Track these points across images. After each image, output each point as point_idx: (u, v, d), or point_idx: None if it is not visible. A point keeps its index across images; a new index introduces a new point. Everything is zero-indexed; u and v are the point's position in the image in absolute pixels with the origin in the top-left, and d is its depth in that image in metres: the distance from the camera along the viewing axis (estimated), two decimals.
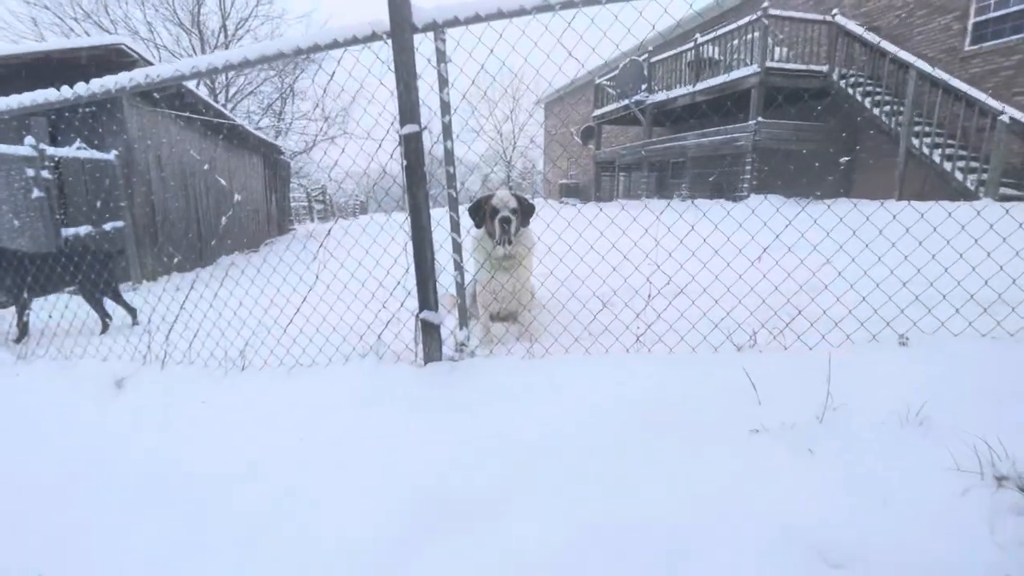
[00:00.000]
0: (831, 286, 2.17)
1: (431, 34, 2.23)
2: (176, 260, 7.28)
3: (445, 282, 2.64)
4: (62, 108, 2.89)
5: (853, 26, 9.45)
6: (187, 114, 7.51)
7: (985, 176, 7.48)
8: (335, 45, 2.35)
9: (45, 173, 5.44)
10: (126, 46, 6.13)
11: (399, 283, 2.55)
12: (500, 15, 2.12)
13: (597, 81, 15.18)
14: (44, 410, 2.53)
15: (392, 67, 2.26)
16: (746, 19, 9.68)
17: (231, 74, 18.33)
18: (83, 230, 5.83)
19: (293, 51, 2.38)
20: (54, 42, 7.20)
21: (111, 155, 6.16)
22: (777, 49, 9.87)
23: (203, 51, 17.63)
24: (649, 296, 2.34)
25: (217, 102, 17.40)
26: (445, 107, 2.28)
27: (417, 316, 2.45)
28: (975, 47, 8.49)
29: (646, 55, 12.78)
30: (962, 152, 7.88)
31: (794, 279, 2.17)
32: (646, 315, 2.36)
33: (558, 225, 2.45)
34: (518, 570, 1.35)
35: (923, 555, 1.27)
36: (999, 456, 1.43)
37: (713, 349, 2.21)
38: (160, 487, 1.87)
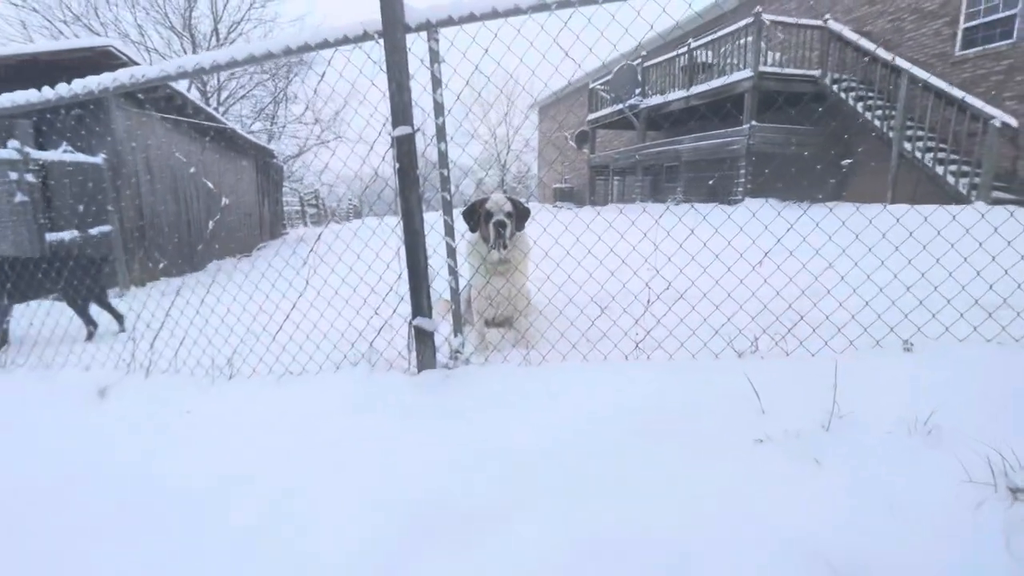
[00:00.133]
0: (833, 291, 2.13)
1: (424, 34, 2.18)
2: (165, 265, 7.17)
3: (439, 288, 2.57)
4: (45, 110, 2.81)
5: (846, 31, 9.52)
6: (177, 117, 7.41)
7: (977, 180, 7.53)
8: (325, 45, 2.29)
9: (29, 177, 5.33)
10: (115, 48, 6.04)
11: (392, 289, 2.48)
12: (495, 14, 2.07)
13: (591, 85, 15.22)
14: (21, 422, 2.43)
15: (384, 68, 2.21)
16: (740, 23, 9.72)
17: (223, 78, 18.22)
18: (68, 235, 5.71)
19: (282, 51, 2.32)
20: (41, 44, 7.10)
21: (98, 158, 6.05)
22: (770, 54, 9.92)
23: (194, 54, 17.54)
24: (648, 301, 2.29)
25: (209, 105, 17.28)
26: (439, 108, 2.23)
27: (410, 323, 2.39)
28: (965, 52, 8.57)
29: (640, 59, 12.82)
30: (954, 156, 7.93)
31: (796, 284, 2.13)
32: (645, 321, 2.31)
33: (555, 229, 2.40)
34: None
35: (936, 570, 1.22)
36: (1012, 467, 1.38)
37: (714, 356, 2.16)
38: (143, 502, 1.79)
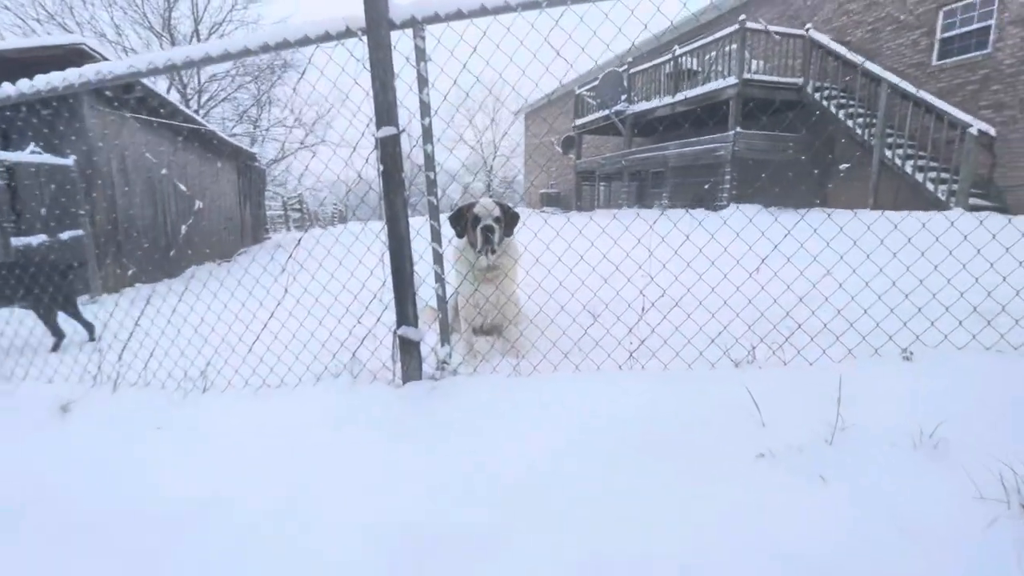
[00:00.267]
0: (831, 298, 2.08)
1: (410, 31, 2.09)
2: (139, 271, 6.92)
3: (425, 295, 2.47)
4: (5, 107, 2.64)
5: (827, 40, 9.68)
6: (154, 119, 7.19)
7: (955, 187, 7.67)
8: (306, 42, 2.18)
9: None
10: (88, 47, 5.84)
11: (375, 296, 2.38)
12: (483, 11, 2.00)
13: (577, 91, 15.27)
14: None
15: (368, 65, 2.11)
16: (725, 31, 9.82)
17: (203, 79, 17.88)
18: (36, 240, 5.47)
19: (260, 48, 2.21)
20: (10, 41, 6.84)
21: (69, 160, 5.82)
22: (754, 62, 10.04)
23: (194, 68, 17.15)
24: (643, 309, 2.22)
25: (189, 108, 16.93)
26: (425, 108, 2.14)
27: (395, 332, 2.28)
28: (942, 62, 8.76)
29: (626, 66, 12.89)
30: (933, 163, 8.08)
31: (793, 291, 2.08)
32: (639, 329, 2.24)
33: (546, 234, 2.32)
34: None
35: None
36: None
37: (710, 365, 2.09)
38: (106, 529, 1.66)
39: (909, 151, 8.37)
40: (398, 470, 1.79)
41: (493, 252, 2.57)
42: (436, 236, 2.27)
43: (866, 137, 8.95)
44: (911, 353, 1.92)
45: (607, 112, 13.32)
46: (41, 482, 1.98)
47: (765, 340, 2.10)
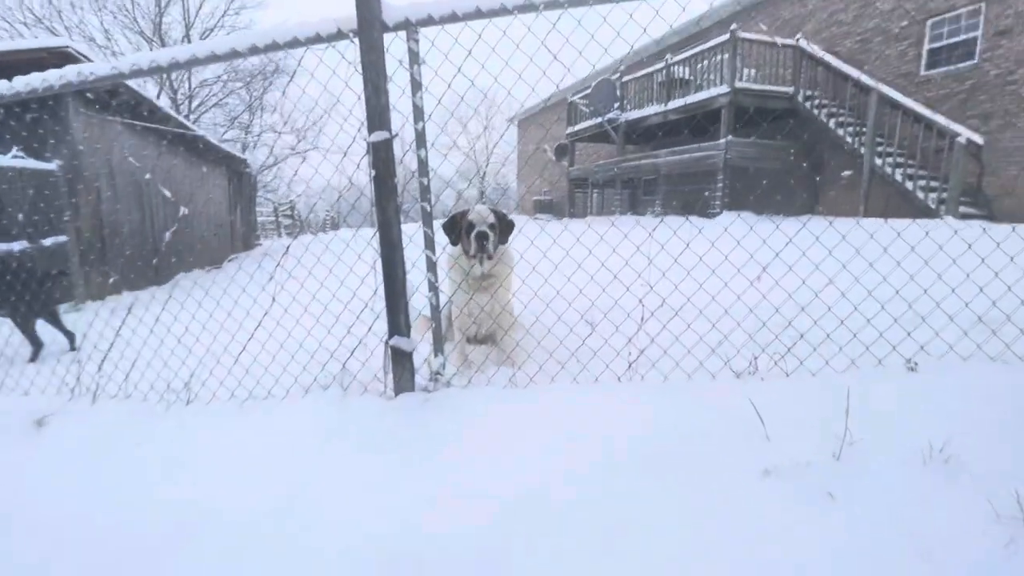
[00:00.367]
0: (834, 307, 2.04)
1: (403, 33, 2.04)
2: (125, 278, 6.78)
3: (418, 304, 2.40)
4: None
5: (817, 51, 9.78)
6: (142, 123, 7.08)
7: (945, 195, 7.75)
8: (296, 44, 2.12)
9: None
10: (74, 50, 5.74)
11: (367, 305, 2.30)
12: (478, 14, 1.95)
13: (570, 99, 15.33)
14: None
15: (359, 68, 2.06)
16: (716, 40, 9.90)
17: (194, 85, 17.74)
18: (17, 246, 5.32)
19: (248, 49, 2.15)
20: None
21: (53, 164, 5.69)
22: (746, 71, 10.12)
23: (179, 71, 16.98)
24: (642, 319, 2.17)
25: (180, 113, 16.77)
26: (418, 113, 2.08)
27: (386, 342, 2.21)
28: (930, 72, 8.88)
29: (618, 74, 12.96)
30: (922, 172, 8.16)
31: (795, 300, 2.03)
32: (638, 339, 2.18)
33: (542, 242, 2.26)
34: None
35: None
36: None
37: (711, 376, 2.04)
38: (76, 555, 1.56)
39: (899, 160, 8.46)
40: (390, 487, 1.71)
41: (489, 258, 2.51)
42: (430, 243, 2.21)
43: (856, 146, 9.04)
44: (915, 364, 1.88)
45: (600, 120, 13.37)
46: (6, 501, 1.88)
47: (767, 350, 2.05)
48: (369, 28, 1.99)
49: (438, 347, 2.32)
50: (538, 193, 21.00)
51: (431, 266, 2.23)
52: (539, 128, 20.41)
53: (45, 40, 5.51)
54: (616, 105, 13.07)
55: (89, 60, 5.83)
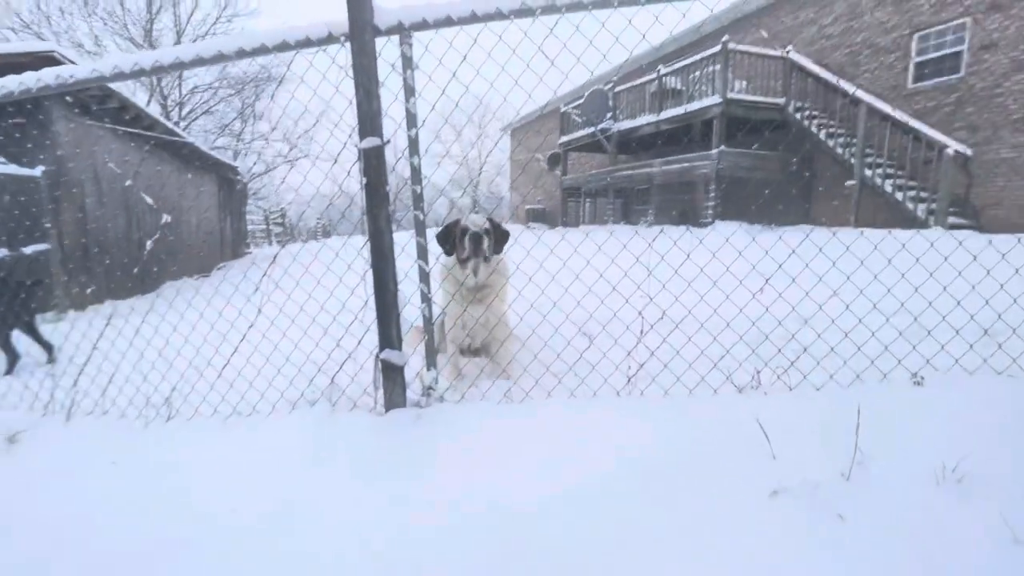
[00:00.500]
0: (837, 320, 1.99)
1: (396, 38, 1.98)
2: (110, 287, 6.63)
3: (410, 316, 2.33)
4: None
5: (807, 63, 9.90)
6: (131, 130, 6.96)
7: (934, 205, 7.82)
8: (285, 47, 2.06)
9: None
10: (60, 54, 5.64)
11: (356, 318, 2.22)
12: (474, 18, 1.90)
13: (563, 108, 15.40)
14: None
15: (351, 73, 1.99)
16: (708, 51, 9.99)
17: (185, 92, 17.60)
18: None
19: (235, 53, 2.08)
20: None
21: (36, 170, 5.56)
22: (737, 82, 10.22)
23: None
24: (641, 332, 2.11)
25: (170, 120, 16.61)
26: (411, 119, 2.02)
27: (377, 356, 2.12)
28: (918, 85, 9.01)
29: (611, 84, 13.04)
30: (911, 183, 8.24)
31: (799, 313, 1.99)
32: (637, 353, 2.12)
33: (539, 252, 2.20)
34: None
35: None
36: None
37: (712, 391, 1.98)
38: None
39: (888, 171, 8.54)
40: (381, 508, 1.63)
41: (486, 260, 2.43)
42: (423, 253, 2.14)
43: (846, 156, 9.12)
44: (922, 378, 1.83)
45: (592, 130, 13.43)
46: None
47: (770, 364, 2.00)
48: (361, 32, 1.93)
49: (431, 361, 2.24)
50: (531, 202, 21.02)
51: (424, 277, 2.16)
52: (533, 136, 20.48)
53: (30, 44, 5.40)
54: (608, 115, 13.13)
55: (75, 65, 5.74)
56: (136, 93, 16.56)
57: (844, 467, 1.52)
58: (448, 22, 1.92)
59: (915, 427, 1.66)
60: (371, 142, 1.98)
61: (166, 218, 7.43)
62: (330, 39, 2.00)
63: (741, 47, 10.05)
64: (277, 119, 18.43)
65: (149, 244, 7.05)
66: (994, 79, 7.93)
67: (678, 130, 10.93)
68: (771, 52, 10.27)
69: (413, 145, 2.03)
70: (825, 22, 10.50)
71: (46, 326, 3.94)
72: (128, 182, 6.56)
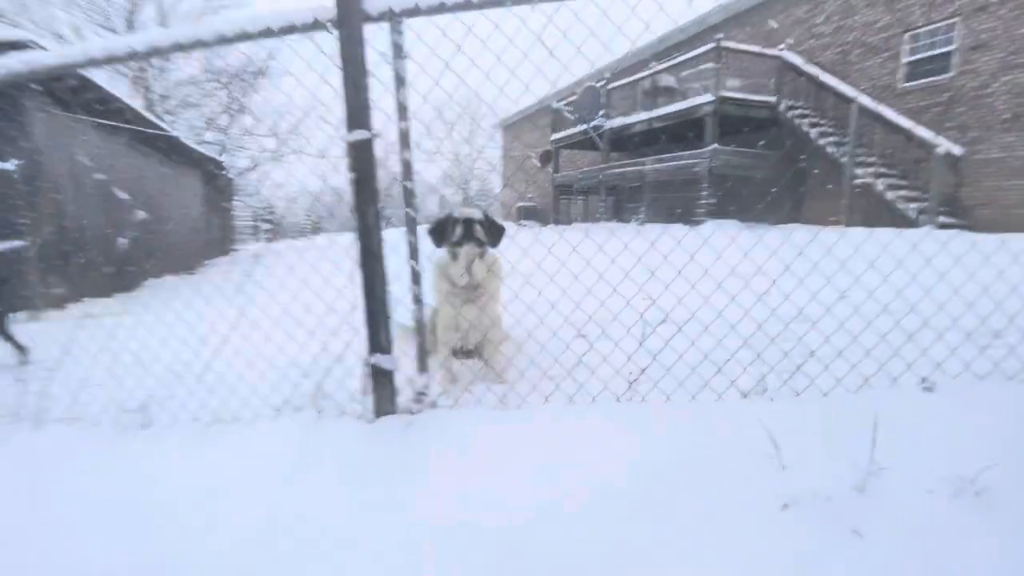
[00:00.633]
0: (846, 323, 1.93)
1: (386, 25, 1.88)
2: (90, 285, 6.43)
3: (401, 318, 2.22)
4: None
5: (800, 61, 9.90)
6: (111, 123, 6.75)
7: (925, 205, 7.85)
8: (269, 34, 1.95)
9: None
10: (35, 43, 5.42)
11: (344, 320, 2.12)
12: (468, 5, 1.80)
13: (555, 105, 15.30)
14: None
15: (338, 62, 1.88)
16: (701, 49, 9.95)
17: (170, 85, 17.23)
18: None
19: (215, 39, 1.96)
20: None
21: (10, 164, 5.36)
22: (729, 80, 10.19)
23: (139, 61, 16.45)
24: (643, 335, 2.03)
25: (154, 113, 16.25)
26: (402, 111, 1.92)
27: (366, 360, 2.02)
28: (909, 84, 9.04)
29: (603, 81, 12.97)
30: (902, 182, 8.27)
31: (807, 315, 1.92)
32: (639, 357, 2.04)
33: (536, 252, 2.11)
34: None
35: None
36: None
37: (716, 396, 1.91)
38: None
39: (880, 170, 8.57)
40: (370, 523, 1.53)
41: (480, 252, 2.32)
42: (414, 252, 2.04)
43: (838, 155, 9.14)
44: (933, 383, 1.77)
45: (585, 127, 13.35)
46: None
47: (775, 368, 1.93)
48: (349, 18, 1.82)
49: (423, 365, 2.14)
50: (523, 199, 20.92)
51: (415, 277, 2.06)
52: (527, 133, 20.36)
53: (2, 32, 5.19)
54: (601, 112, 13.06)
55: None
56: (118, 85, 16.18)
57: (856, 478, 1.46)
58: (441, 8, 1.82)
59: (928, 436, 1.60)
60: (359, 135, 1.87)
61: (142, 214, 7.22)
62: (316, 25, 1.89)
63: (734, 45, 10.02)
64: (260, 111, 18.09)
65: (123, 241, 6.85)
66: (984, 79, 7.98)
67: (671, 128, 10.89)
68: (765, 50, 10.26)
69: (404, 138, 1.93)
70: (817, 20, 10.50)
71: (16, 326, 3.78)
72: (101, 175, 6.35)
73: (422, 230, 2.11)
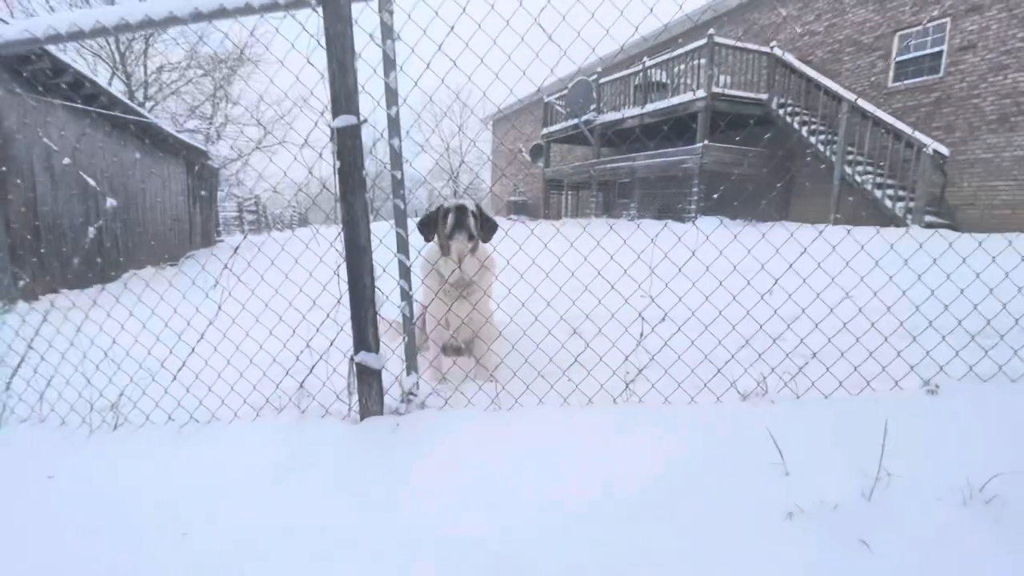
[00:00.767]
0: (833, 322, 1.88)
1: (375, 3, 1.77)
2: (65, 275, 6.21)
3: (389, 315, 2.13)
4: None
5: (791, 59, 9.89)
6: (79, 106, 6.49)
7: (912, 204, 7.91)
8: (248, 11, 1.82)
9: None
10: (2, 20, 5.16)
11: (328, 316, 2.02)
12: None
13: (546, 99, 15.18)
14: None
15: (323, 43, 1.77)
16: (693, 45, 9.90)
17: (150, 70, 16.75)
18: None
19: (190, 14, 1.83)
20: None
21: None
22: (721, 76, 10.16)
23: (117, 46, 15.93)
24: (641, 334, 1.96)
25: (135, 100, 15.79)
26: (391, 95, 1.81)
27: (351, 359, 1.93)
28: (898, 84, 9.09)
29: (595, 75, 12.87)
30: (890, 181, 8.32)
31: (809, 316, 1.86)
32: (636, 356, 1.97)
33: (531, 247, 2.02)
34: None
35: None
36: None
37: (716, 398, 1.85)
38: None
39: (868, 169, 8.61)
40: (354, 532, 1.45)
41: (472, 244, 2.23)
42: (403, 246, 1.94)
43: (828, 154, 9.17)
44: (936, 386, 1.73)
45: (576, 121, 13.25)
46: None
47: (776, 370, 1.87)
48: None
49: (411, 363, 2.05)
50: (513, 194, 20.80)
51: (404, 272, 1.96)
52: (518, 127, 20.19)
53: None
54: (592, 107, 12.97)
55: None
56: (96, 68, 15.70)
57: (863, 485, 1.40)
58: None
59: (934, 440, 1.55)
60: (346, 120, 1.76)
61: (111, 202, 6.99)
62: (300, 2, 1.77)
63: (726, 41, 9.98)
64: (244, 99, 17.64)
65: (92, 231, 6.62)
66: (972, 80, 8.04)
67: (662, 123, 10.84)
68: (755, 47, 10.24)
69: (393, 125, 1.82)
70: (809, 18, 10.51)
71: None
72: (66, 160, 6.10)
73: (411, 223, 2.01)
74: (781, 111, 10.06)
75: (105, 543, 1.50)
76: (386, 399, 1.99)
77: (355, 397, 1.97)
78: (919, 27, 8.66)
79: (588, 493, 1.52)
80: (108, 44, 15.79)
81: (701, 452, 1.63)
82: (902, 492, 1.39)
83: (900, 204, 8.08)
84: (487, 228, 2.36)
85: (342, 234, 1.84)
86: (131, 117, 7.64)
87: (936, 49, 8.53)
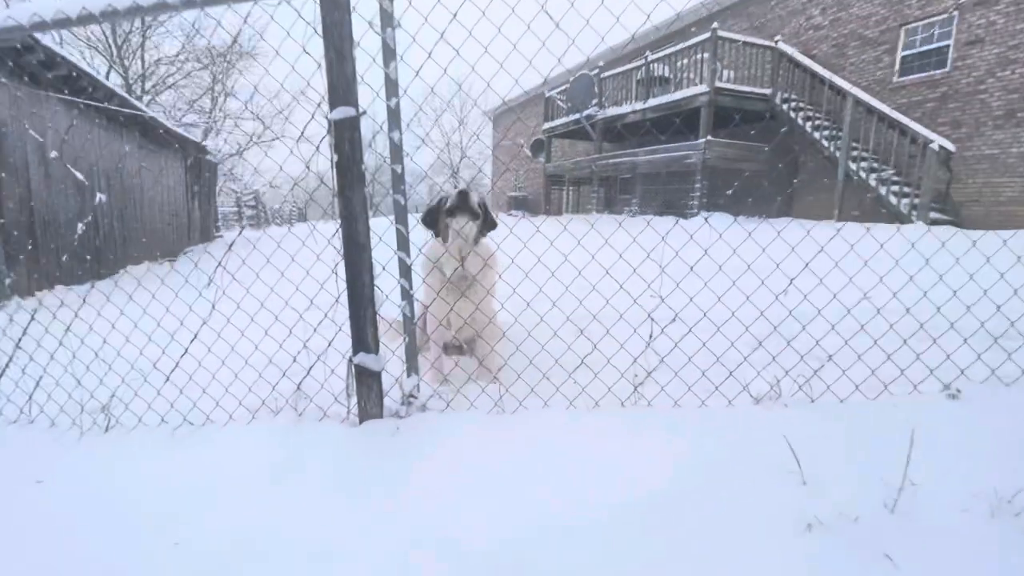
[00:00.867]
0: (864, 324, 1.81)
1: None
2: (61, 271, 6.14)
3: (389, 314, 2.06)
4: None
5: (796, 53, 9.77)
6: (72, 99, 6.40)
7: (917, 200, 7.82)
8: None
9: None
10: None
11: (326, 316, 1.95)
12: None
13: (548, 94, 15.05)
14: None
15: (320, 31, 1.70)
16: (696, 39, 9.78)
17: (147, 63, 16.61)
18: None
19: (182, 1, 1.75)
20: None
21: None
22: (725, 71, 10.04)
23: (115, 39, 15.78)
24: (651, 336, 1.90)
25: (132, 93, 15.66)
26: (391, 86, 1.74)
27: (350, 360, 1.86)
28: (903, 79, 8.98)
29: (597, 70, 12.75)
30: (895, 177, 8.23)
31: (825, 317, 1.80)
32: (645, 358, 1.91)
33: (536, 244, 1.96)
34: None
35: None
36: None
37: (727, 402, 1.78)
38: None
39: (873, 164, 8.51)
40: (353, 538, 1.39)
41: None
42: (404, 243, 1.87)
43: (832, 149, 9.07)
44: (958, 391, 1.67)
45: (577, 116, 13.14)
46: None
47: (790, 373, 1.81)
48: None
49: (411, 365, 1.99)
50: (514, 189, 20.70)
51: (405, 270, 1.89)
52: (519, 122, 20.06)
53: None
54: (594, 101, 12.85)
55: None
56: (94, 61, 15.56)
57: (884, 495, 1.34)
58: None
59: (957, 447, 1.49)
60: (344, 112, 1.69)
61: (101, 197, 6.90)
62: None
63: (729, 35, 9.86)
64: (235, 85, 17.46)
65: (80, 227, 6.54)
66: (979, 75, 7.94)
67: (664, 118, 10.74)
68: (760, 42, 10.12)
69: (393, 117, 1.75)
70: (813, 12, 10.39)
71: None
72: (54, 153, 6.02)
73: (412, 219, 1.94)
74: (785, 106, 9.95)
75: (97, 547, 1.44)
76: (386, 401, 1.93)
77: (354, 400, 1.91)
78: (943, 15, 8.46)
79: (594, 498, 1.47)
80: (105, 37, 15.64)
81: (712, 458, 1.57)
82: (926, 503, 1.33)
83: (905, 200, 7.99)
84: (488, 226, 2.28)
85: (340, 230, 1.77)
86: (128, 111, 7.55)
87: (943, 43, 8.42)
